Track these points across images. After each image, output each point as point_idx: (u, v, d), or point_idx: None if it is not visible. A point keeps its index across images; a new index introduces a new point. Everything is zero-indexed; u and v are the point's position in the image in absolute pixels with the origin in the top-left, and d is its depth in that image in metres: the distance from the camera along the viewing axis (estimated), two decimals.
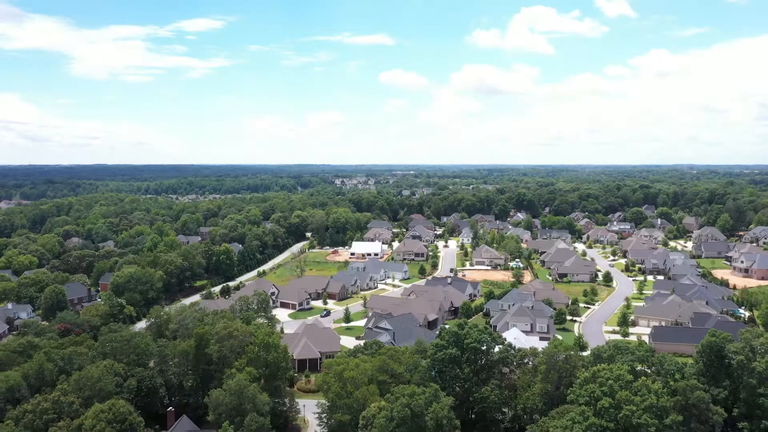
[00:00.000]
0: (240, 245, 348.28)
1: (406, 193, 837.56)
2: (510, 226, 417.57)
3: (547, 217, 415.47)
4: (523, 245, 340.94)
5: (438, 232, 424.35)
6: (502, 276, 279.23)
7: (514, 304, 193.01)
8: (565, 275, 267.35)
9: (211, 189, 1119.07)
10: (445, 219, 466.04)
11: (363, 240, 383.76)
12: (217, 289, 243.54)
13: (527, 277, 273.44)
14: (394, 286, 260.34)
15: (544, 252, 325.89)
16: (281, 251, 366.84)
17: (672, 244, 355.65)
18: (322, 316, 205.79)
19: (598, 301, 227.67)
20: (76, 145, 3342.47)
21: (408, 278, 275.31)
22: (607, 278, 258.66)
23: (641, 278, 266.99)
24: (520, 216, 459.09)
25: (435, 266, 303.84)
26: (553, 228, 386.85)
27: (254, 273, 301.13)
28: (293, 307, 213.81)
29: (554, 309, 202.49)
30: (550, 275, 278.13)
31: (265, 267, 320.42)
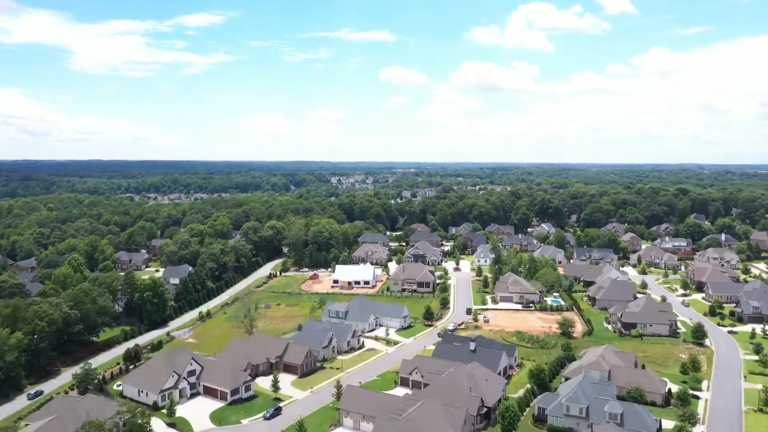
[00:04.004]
0: (191, 268, 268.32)
1: (406, 194, 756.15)
2: (535, 241, 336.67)
3: (582, 230, 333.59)
4: (560, 270, 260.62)
5: (446, 248, 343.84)
6: (540, 323, 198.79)
7: (586, 406, 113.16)
8: (634, 325, 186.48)
9: (197, 188, 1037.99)
10: (453, 230, 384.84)
11: (351, 260, 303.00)
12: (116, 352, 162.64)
13: (578, 325, 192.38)
14: (388, 342, 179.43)
15: (590, 282, 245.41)
16: (247, 274, 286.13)
17: (754, 270, 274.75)
18: (266, 417, 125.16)
19: (703, 379, 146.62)
20: (75, 140, 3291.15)
21: (408, 327, 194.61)
22: (698, 333, 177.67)
23: (740, 328, 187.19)
24: (545, 227, 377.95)
25: (445, 304, 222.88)
26: (591, 245, 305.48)
27: (200, 311, 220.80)
28: (222, 396, 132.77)
29: (648, 403, 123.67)
30: (608, 322, 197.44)
31: (217, 301, 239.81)
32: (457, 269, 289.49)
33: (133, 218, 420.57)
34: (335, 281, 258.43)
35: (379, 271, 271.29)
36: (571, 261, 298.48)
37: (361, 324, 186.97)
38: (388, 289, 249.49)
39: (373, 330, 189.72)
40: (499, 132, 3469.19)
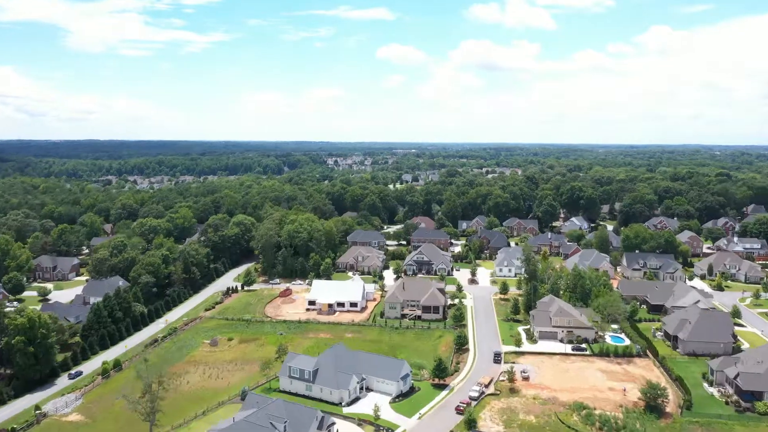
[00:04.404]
0: (121, 282, 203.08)
1: (407, 178, 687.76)
2: (566, 241, 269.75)
3: (627, 227, 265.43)
4: (613, 281, 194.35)
5: (456, 247, 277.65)
6: (608, 382, 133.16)
7: None
8: (760, 395, 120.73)
9: (183, 169, 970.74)
10: (464, 225, 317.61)
11: (336, 268, 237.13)
12: None
13: (671, 396, 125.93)
14: (377, 429, 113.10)
15: (657, 307, 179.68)
16: (200, 288, 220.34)
17: None
18: None
19: None
20: (73, 119, 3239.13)
21: (409, 391, 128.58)
22: None
23: None
24: (576, 222, 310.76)
25: (463, 344, 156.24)
26: (641, 248, 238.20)
27: (104, 360, 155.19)
28: None
29: None
30: (709, 382, 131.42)
31: (146, 334, 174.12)
32: (473, 281, 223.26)
33: (84, 209, 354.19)
34: (311, 302, 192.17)
35: (371, 287, 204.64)
36: (619, 270, 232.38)
37: (338, 392, 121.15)
38: (382, 315, 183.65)
39: (357, 400, 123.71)
40: (500, 111, 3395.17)
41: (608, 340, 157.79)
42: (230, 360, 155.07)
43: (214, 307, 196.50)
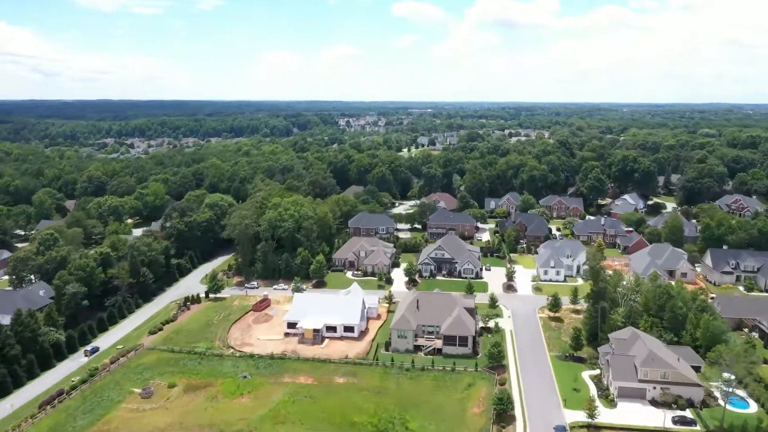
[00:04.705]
0: (43, 292, 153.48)
1: (423, 141, 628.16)
2: (624, 227, 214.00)
3: (709, 213, 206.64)
4: (709, 296, 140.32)
5: (484, 235, 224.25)
6: None
7: None
8: None
9: (187, 131, 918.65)
10: (492, 204, 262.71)
11: (332, 265, 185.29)
12: None
13: None
14: None
15: None
16: (151, 298, 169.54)
17: None
18: None
19: None
20: (87, 79, 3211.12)
21: None
22: None
23: None
24: (630, 202, 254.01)
25: (504, 409, 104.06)
26: (727, 242, 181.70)
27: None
28: None
29: None
30: None
31: (62, 373, 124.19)
32: (509, 287, 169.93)
33: (48, 181, 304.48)
34: (291, 325, 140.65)
35: (373, 299, 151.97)
36: (699, 271, 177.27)
37: None
38: (387, 346, 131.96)
39: None
40: (518, 70, 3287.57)
41: (726, 405, 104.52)
42: (164, 429, 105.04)
43: (162, 329, 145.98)
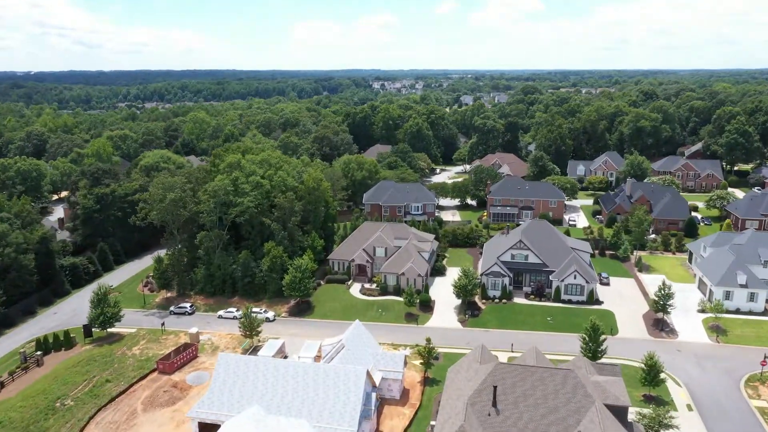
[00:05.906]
0: None
1: (467, 100, 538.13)
2: None
3: None
4: None
5: (574, 216, 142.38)
6: None
7: None
8: None
9: (208, 95, 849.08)
10: (581, 168, 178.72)
11: (328, 270, 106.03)
12: None
13: None
14: None
15: None
16: (8, 323, 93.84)
17: None
18: None
19: None
20: (128, 52, 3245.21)
21: None
22: None
23: None
24: None
25: None
26: None
27: None
28: None
29: None
30: None
31: None
32: (658, 323, 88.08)
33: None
34: (205, 429, 62.60)
35: (394, 362, 72.52)
36: None
37: None
38: None
39: None
40: (558, 37, 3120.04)
41: None
42: None
43: None
